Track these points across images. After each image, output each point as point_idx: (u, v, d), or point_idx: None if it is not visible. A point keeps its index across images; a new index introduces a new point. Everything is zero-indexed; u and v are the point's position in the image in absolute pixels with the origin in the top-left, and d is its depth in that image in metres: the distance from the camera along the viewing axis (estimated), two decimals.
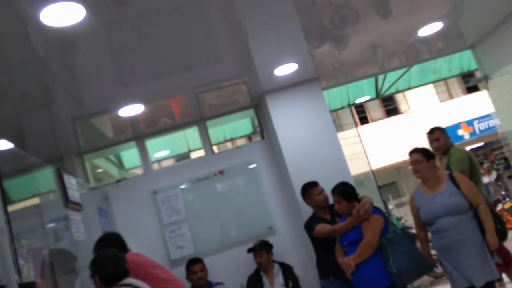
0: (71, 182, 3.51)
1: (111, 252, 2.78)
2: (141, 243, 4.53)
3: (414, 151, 3.75)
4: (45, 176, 4.40)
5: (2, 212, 2.25)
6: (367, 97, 7.53)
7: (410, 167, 3.91)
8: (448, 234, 3.53)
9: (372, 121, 16.48)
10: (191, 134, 6.07)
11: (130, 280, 2.68)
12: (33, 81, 3.37)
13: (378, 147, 14.42)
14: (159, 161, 7.19)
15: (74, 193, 3.50)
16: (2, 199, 2.27)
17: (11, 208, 2.48)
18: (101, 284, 2.67)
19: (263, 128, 5.29)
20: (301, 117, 4.83)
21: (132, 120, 4.71)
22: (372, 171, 5.89)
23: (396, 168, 15.46)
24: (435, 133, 4.45)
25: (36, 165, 3.72)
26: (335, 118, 9.27)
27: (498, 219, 3.74)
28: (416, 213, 3.75)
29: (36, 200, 4.82)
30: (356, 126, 14.21)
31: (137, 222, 4.72)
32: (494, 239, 3.48)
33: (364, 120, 16.43)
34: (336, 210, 3.82)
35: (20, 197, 4.36)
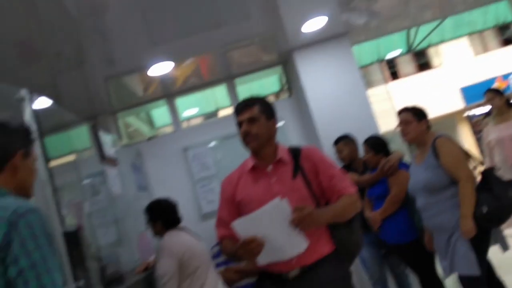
0: (106, 138, 3.63)
1: (170, 201, 3.16)
2: (174, 197, 4.70)
3: (403, 110, 3.18)
4: (80, 134, 4.56)
5: (44, 167, 2.37)
6: (398, 52, 7.35)
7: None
8: (423, 216, 3.05)
9: (403, 76, 16.09)
10: (220, 93, 6.11)
11: (182, 225, 3.10)
12: (65, 41, 3.44)
13: (409, 103, 14.16)
14: (188, 119, 7.31)
15: (109, 149, 3.63)
16: (43, 155, 2.39)
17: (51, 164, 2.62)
18: (162, 228, 3.04)
19: (291, 86, 5.28)
20: (330, 74, 4.78)
21: (162, 79, 4.78)
22: None
23: None
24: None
25: (73, 122, 3.86)
26: (364, 74, 9.13)
27: (490, 198, 2.76)
28: None
29: (72, 157, 5.02)
30: (386, 82, 13.94)
31: (170, 178, 4.87)
32: (466, 225, 2.73)
33: (394, 75, 16.07)
34: (364, 160, 3.87)
35: (58, 154, 4.54)
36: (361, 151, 4.01)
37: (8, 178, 1.42)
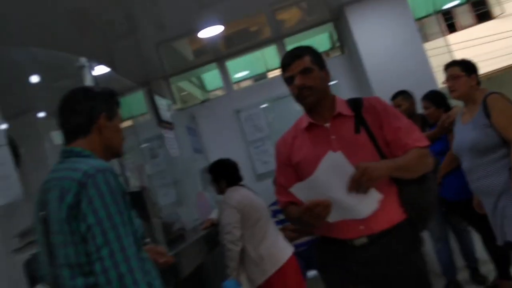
0: (161, 102, 3.72)
1: (231, 161, 3.35)
2: None
3: (451, 64, 2.95)
4: (137, 100, 4.70)
5: None
6: (456, 2, 6.91)
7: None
8: (469, 178, 2.84)
9: (461, 28, 15.24)
10: (269, 54, 6.06)
11: (242, 183, 3.31)
12: (117, 8, 3.50)
13: (468, 56, 13.48)
14: (238, 81, 7.33)
15: (165, 113, 3.72)
16: None
17: None
18: (226, 187, 3.23)
19: (343, 43, 5.14)
20: (384, 28, 4.60)
21: (212, 42, 4.79)
22: None
23: (488, 78, 14.46)
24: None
25: (129, 88, 3.97)
26: (420, 27, 8.72)
27: None
28: None
29: (130, 122, 5.20)
30: (444, 35, 13.27)
31: (224, 140, 4.95)
32: None
33: (452, 28, 15.24)
34: (424, 116, 3.77)
35: None
36: (419, 108, 3.89)
37: (95, 139, 1.55)
